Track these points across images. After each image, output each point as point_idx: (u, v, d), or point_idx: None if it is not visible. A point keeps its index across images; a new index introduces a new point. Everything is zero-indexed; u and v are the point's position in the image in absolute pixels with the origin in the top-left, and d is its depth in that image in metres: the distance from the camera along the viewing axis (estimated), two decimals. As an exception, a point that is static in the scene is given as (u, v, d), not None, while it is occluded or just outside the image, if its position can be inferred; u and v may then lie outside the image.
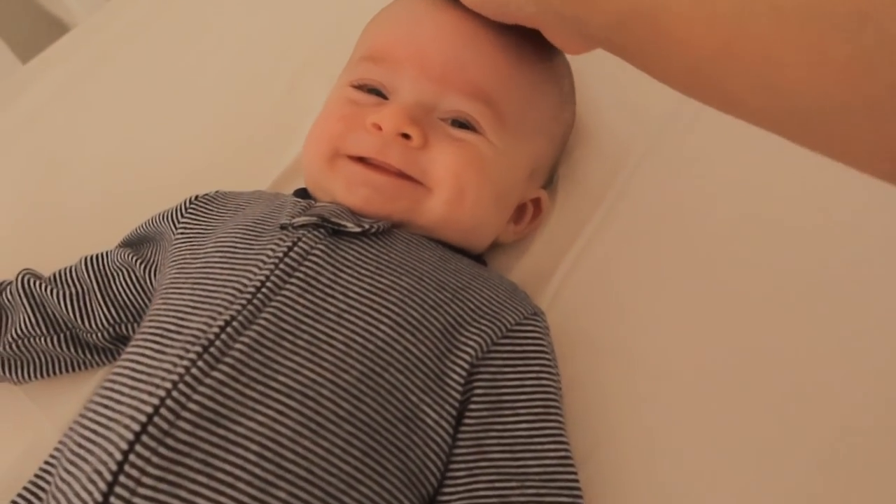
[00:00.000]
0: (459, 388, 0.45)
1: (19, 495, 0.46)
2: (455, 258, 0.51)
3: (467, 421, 0.44)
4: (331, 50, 0.69)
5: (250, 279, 0.44)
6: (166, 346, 0.42)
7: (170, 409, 0.38)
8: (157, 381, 0.40)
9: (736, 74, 0.35)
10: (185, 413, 0.38)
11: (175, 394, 0.39)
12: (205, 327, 0.42)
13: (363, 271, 0.45)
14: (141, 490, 0.37)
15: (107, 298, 0.54)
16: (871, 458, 0.50)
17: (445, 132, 0.50)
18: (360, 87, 0.53)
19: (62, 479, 0.40)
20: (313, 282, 0.44)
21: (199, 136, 0.69)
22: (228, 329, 0.41)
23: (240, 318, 0.42)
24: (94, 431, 0.40)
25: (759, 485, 0.49)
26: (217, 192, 0.56)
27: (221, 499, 0.37)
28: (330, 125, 0.52)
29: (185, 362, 0.40)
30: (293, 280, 0.44)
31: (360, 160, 0.50)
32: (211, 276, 0.46)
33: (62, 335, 0.53)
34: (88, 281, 0.54)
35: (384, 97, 0.52)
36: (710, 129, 0.63)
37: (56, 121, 0.71)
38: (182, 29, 0.78)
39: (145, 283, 0.54)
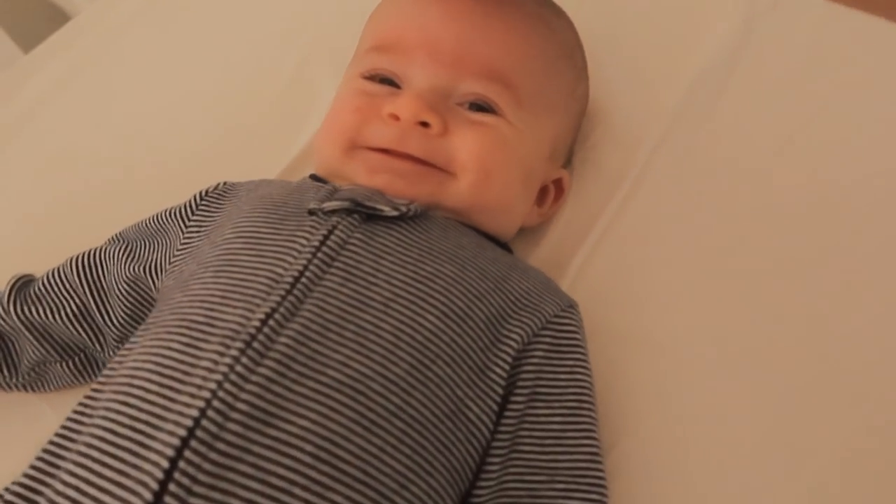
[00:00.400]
0: (502, 381, 0.43)
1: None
2: (490, 246, 0.50)
3: (506, 414, 0.43)
4: (336, 38, 0.68)
5: (286, 269, 0.42)
6: (198, 339, 0.39)
7: (217, 412, 0.36)
8: (197, 380, 0.37)
9: None
10: (234, 414, 0.36)
11: (221, 394, 0.36)
12: (243, 321, 0.39)
13: (405, 258, 0.44)
14: (192, 500, 0.34)
15: (111, 312, 0.51)
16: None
17: (464, 116, 0.49)
18: (372, 78, 0.52)
19: (84, 492, 0.36)
20: (355, 270, 0.42)
21: (204, 126, 0.68)
22: (270, 322, 0.39)
23: (281, 310, 0.40)
24: (121, 435, 0.37)
25: (784, 475, 0.48)
26: (224, 183, 0.54)
27: None
28: (344, 117, 0.50)
29: (228, 359, 0.38)
30: (333, 269, 0.42)
31: (380, 150, 0.49)
32: (236, 263, 0.44)
33: (77, 358, 0.52)
34: (85, 295, 0.51)
35: (396, 86, 0.51)
36: (727, 114, 0.62)
37: (58, 110, 0.70)
38: (185, 17, 0.77)
39: (148, 289, 0.51)
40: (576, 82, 0.57)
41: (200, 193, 0.53)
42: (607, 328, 0.53)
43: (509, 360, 0.44)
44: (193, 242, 0.50)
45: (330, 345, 0.39)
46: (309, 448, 0.36)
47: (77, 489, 0.36)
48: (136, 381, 0.39)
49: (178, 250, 0.50)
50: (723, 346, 0.52)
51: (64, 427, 0.41)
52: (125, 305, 0.51)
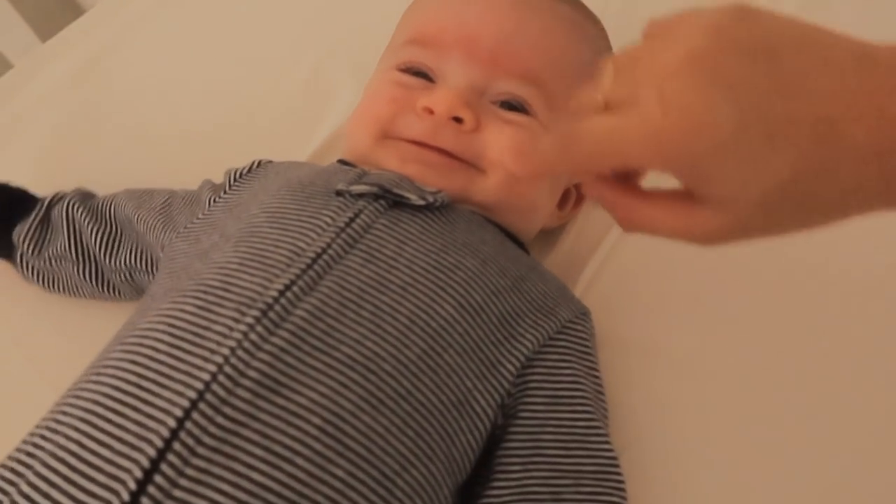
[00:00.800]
0: (511, 378, 0.44)
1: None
2: (511, 245, 0.50)
3: (523, 415, 0.43)
4: (354, 37, 0.68)
5: (308, 244, 0.42)
6: (213, 304, 0.39)
7: (228, 376, 0.36)
8: (211, 344, 0.38)
9: None
10: (243, 380, 0.36)
11: (233, 360, 0.37)
12: (260, 289, 0.40)
13: (428, 246, 0.44)
14: (194, 461, 0.34)
15: (134, 245, 0.55)
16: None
17: (497, 115, 0.50)
18: (407, 70, 0.52)
19: (84, 445, 0.36)
20: (377, 253, 0.43)
21: (220, 122, 0.68)
22: (288, 294, 0.39)
23: (300, 282, 0.40)
24: (129, 393, 0.37)
25: (791, 487, 0.48)
26: (259, 161, 0.55)
27: (277, 473, 0.35)
28: (379, 107, 0.51)
29: (243, 326, 0.38)
30: (356, 250, 0.42)
31: (412, 142, 0.50)
32: (258, 234, 0.44)
33: (87, 266, 0.55)
34: (125, 225, 0.56)
35: (430, 80, 0.51)
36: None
37: (76, 100, 0.71)
38: (202, 11, 0.78)
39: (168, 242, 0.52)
40: None
41: (235, 175, 0.53)
42: (617, 338, 0.53)
43: (522, 359, 0.44)
44: (215, 214, 0.50)
45: (346, 322, 0.39)
46: (316, 420, 0.36)
47: (78, 443, 0.36)
48: (146, 341, 0.39)
49: (197, 218, 0.51)
50: (733, 359, 0.53)
51: (74, 388, 0.41)
52: (151, 250, 0.54)
